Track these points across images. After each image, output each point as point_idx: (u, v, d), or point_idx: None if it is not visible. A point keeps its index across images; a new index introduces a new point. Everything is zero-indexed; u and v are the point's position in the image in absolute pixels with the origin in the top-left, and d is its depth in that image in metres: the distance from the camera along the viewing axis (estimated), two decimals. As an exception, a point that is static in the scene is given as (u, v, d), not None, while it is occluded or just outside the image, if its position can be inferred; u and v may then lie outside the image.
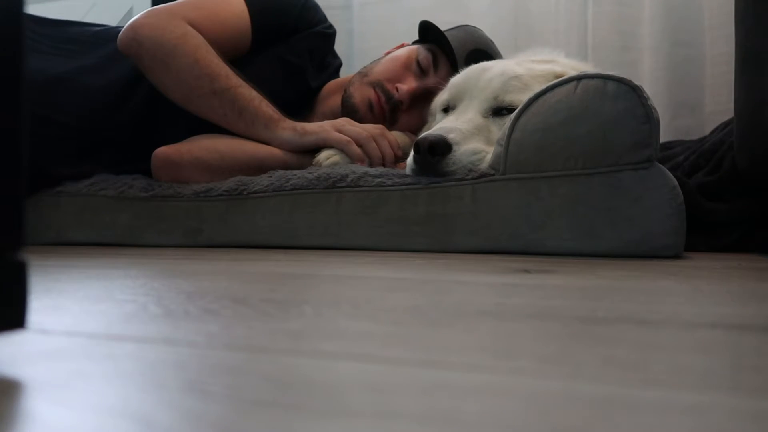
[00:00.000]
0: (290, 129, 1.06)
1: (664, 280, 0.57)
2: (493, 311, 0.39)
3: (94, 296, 0.46)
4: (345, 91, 1.22)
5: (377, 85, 1.18)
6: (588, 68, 0.99)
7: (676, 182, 0.80)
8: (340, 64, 1.37)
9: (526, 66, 0.97)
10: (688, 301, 0.45)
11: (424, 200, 0.89)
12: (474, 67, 1.01)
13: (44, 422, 0.20)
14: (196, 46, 1.07)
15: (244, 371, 0.25)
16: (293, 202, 0.96)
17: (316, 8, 1.26)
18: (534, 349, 0.29)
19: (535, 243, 0.83)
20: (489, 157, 0.89)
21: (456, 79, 1.02)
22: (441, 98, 1.07)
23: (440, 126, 0.93)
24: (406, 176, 0.92)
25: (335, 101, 1.25)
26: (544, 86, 0.86)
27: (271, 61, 1.20)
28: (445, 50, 1.20)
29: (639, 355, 0.28)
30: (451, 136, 0.89)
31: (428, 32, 1.24)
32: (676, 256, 0.80)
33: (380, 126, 1.11)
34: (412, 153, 0.91)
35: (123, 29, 1.10)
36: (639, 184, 0.79)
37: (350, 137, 1.05)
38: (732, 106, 0.99)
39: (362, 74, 1.23)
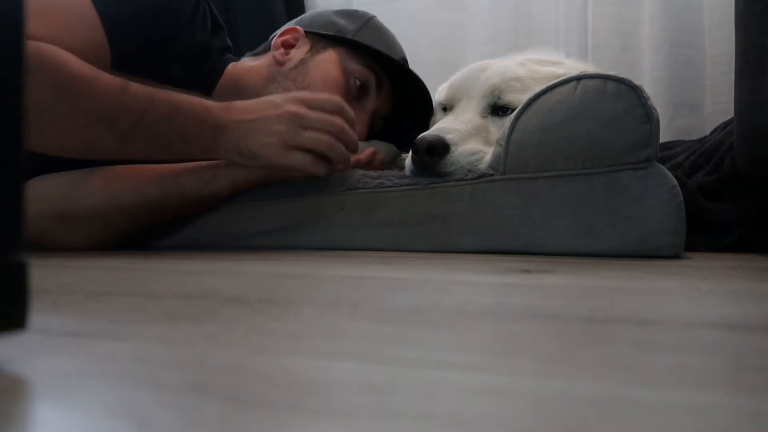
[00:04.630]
0: (234, 150, 0.81)
1: (664, 280, 0.57)
2: (493, 311, 0.39)
3: (95, 295, 0.46)
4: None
5: None
6: (593, 71, 0.98)
7: (676, 182, 0.80)
8: (220, 25, 1.02)
9: (530, 68, 0.96)
10: (688, 301, 0.45)
11: (423, 201, 0.89)
12: (474, 66, 1.01)
13: (44, 422, 0.20)
14: (65, 76, 0.74)
15: (244, 371, 0.25)
16: (293, 207, 0.96)
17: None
18: (534, 349, 0.29)
19: (535, 243, 0.83)
20: (487, 157, 0.88)
21: (455, 78, 1.02)
22: (440, 96, 1.06)
23: (438, 126, 0.93)
24: (405, 177, 0.92)
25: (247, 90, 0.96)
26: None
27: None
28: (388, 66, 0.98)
29: (639, 355, 0.28)
30: (449, 137, 0.89)
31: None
32: (676, 256, 0.80)
33: (337, 105, 0.86)
34: (410, 154, 0.91)
35: None
36: (639, 183, 0.79)
37: (311, 146, 0.83)
38: (732, 106, 0.99)
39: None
